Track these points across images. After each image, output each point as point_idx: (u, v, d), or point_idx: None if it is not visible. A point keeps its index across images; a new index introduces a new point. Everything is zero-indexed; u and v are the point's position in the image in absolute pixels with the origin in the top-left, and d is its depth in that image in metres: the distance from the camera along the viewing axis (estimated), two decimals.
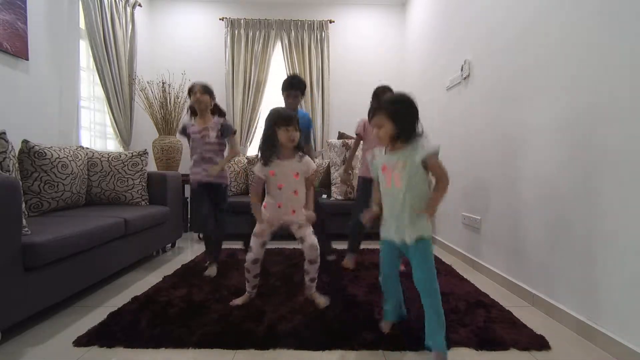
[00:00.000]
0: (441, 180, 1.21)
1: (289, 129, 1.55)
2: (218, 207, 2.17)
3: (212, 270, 2.10)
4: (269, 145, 1.58)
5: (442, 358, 1.18)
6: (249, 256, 1.64)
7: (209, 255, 2.18)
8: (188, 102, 2.19)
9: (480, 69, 2.32)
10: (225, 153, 2.20)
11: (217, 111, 2.18)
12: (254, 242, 1.64)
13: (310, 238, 1.63)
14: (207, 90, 2.08)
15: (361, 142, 2.37)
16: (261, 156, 1.60)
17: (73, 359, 1.23)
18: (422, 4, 3.54)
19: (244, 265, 1.66)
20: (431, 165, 1.21)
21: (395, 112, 1.22)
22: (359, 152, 2.46)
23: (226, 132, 2.12)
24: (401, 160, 1.23)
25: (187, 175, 2.48)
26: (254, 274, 1.67)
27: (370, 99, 2.22)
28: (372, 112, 1.29)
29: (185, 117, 2.26)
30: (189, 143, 2.16)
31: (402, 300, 1.43)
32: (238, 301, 1.67)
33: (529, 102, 1.79)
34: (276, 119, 1.57)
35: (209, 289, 1.85)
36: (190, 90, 2.10)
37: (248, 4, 4.04)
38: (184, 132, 2.16)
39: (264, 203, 1.68)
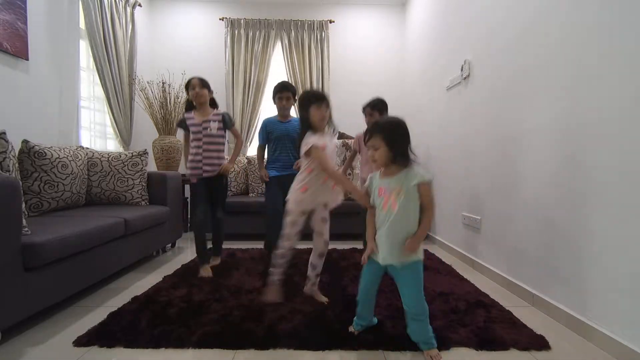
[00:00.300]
0: (429, 210, 1.23)
1: (321, 106, 1.57)
2: (217, 204, 2.19)
3: (206, 271, 2.07)
4: (305, 123, 1.60)
5: (437, 354, 1.25)
6: (287, 244, 1.63)
7: (200, 256, 2.13)
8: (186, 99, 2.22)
9: (480, 69, 2.32)
10: (226, 146, 2.24)
11: (214, 104, 2.24)
12: (290, 230, 1.61)
13: (328, 234, 1.68)
14: (205, 84, 2.14)
15: (357, 155, 2.49)
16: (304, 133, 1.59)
17: (73, 359, 1.23)
18: (422, 4, 3.54)
19: (278, 252, 1.64)
20: (423, 193, 1.22)
21: (391, 136, 1.24)
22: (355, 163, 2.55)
23: (229, 123, 2.18)
24: (397, 185, 1.24)
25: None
26: (286, 260, 1.67)
27: (363, 109, 2.30)
28: (368, 133, 1.29)
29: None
30: (187, 136, 2.19)
31: (373, 312, 1.43)
32: (270, 296, 1.66)
33: (529, 102, 1.79)
34: (308, 96, 1.61)
35: (209, 289, 1.85)
36: (188, 86, 2.14)
37: (248, 4, 4.04)
38: (183, 124, 2.18)
39: (303, 186, 1.57)
